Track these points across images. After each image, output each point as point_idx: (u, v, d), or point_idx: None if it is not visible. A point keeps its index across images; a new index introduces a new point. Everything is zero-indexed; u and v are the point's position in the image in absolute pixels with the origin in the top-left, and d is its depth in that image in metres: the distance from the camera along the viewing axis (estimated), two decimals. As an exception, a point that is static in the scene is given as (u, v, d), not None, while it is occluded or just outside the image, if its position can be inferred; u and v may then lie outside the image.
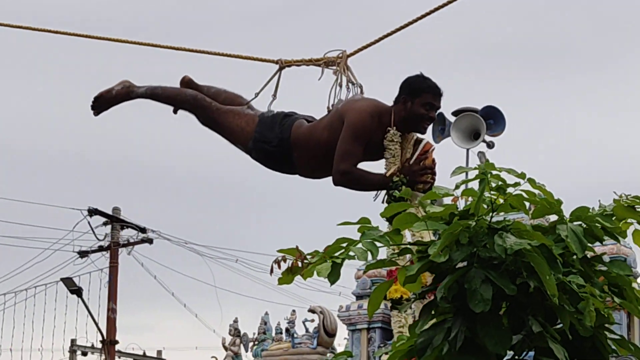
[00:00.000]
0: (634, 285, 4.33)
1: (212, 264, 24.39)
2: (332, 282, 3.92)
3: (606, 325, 4.13)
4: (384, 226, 4.23)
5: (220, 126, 5.77)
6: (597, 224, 4.11)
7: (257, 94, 5.83)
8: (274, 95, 5.81)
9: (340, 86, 5.73)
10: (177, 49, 6.27)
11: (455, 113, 17.45)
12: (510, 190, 3.94)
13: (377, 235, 4.01)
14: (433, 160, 5.32)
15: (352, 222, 4.07)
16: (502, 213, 4.05)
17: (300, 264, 3.99)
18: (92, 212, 22.60)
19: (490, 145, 17.49)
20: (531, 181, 3.90)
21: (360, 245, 3.99)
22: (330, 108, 5.66)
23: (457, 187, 3.98)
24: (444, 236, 3.83)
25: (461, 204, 4.03)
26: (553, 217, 4.11)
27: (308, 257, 4.02)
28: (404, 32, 5.86)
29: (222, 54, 6.19)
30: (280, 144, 5.54)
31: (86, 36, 6.49)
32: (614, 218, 4.25)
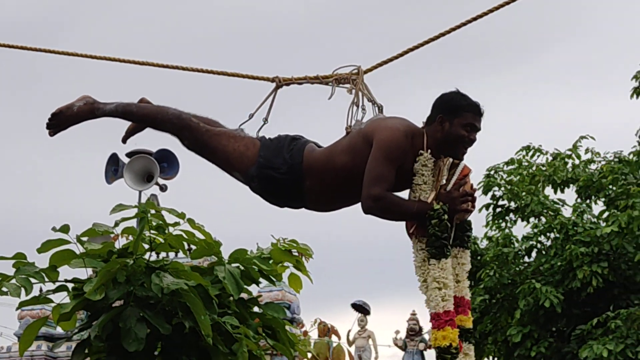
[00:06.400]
0: (288, 328, 4.45)
1: None
2: None
3: (259, 366, 4.21)
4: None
5: (212, 150, 4.98)
6: (254, 267, 4.20)
7: (251, 116, 5.08)
8: (266, 119, 5.07)
9: (357, 105, 5.06)
10: (164, 66, 5.49)
11: (129, 154, 17.31)
12: (170, 230, 3.95)
13: (33, 272, 3.90)
14: (472, 186, 4.76)
15: (6, 257, 3.93)
16: (173, 254, 4.04)
17: (-52, 299, 3.81)
18: None
19: (163, 188, 17.48)
20: (190, 221, 3.93)
21: (14, 281, 3.86)
22: (349, 129, 4.98)
23: (116, 224, 3.94)
24: (100, 274, 3.77)
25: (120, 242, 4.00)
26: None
27: (-43, 291, 3.84)
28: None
29: (211, 72, 5.45)
30: (290, 171, 4.83)
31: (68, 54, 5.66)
32: (271, 261, 4.36)
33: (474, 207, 4.69)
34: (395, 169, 4.64)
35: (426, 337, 19.67)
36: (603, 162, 16.91)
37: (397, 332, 20.13)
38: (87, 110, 5.09)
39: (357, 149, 4.75)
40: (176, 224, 3.94)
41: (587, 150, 16.99)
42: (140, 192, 17.36)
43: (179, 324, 3.89)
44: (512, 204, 17.17)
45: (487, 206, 17.34)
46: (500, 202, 17.27)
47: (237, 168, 4.90)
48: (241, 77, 5.35)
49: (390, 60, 5.26)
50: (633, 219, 14.55)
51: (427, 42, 5.24)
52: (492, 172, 17.25)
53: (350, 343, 19.70)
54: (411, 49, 5.26)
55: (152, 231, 3.94)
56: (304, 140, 4.96)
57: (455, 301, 4.51)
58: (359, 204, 4.72)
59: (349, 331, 19.73)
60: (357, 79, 5.10)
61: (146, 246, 4.00)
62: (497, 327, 16.33)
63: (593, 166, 16.91)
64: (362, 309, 19.64)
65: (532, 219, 16.93)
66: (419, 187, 4.64)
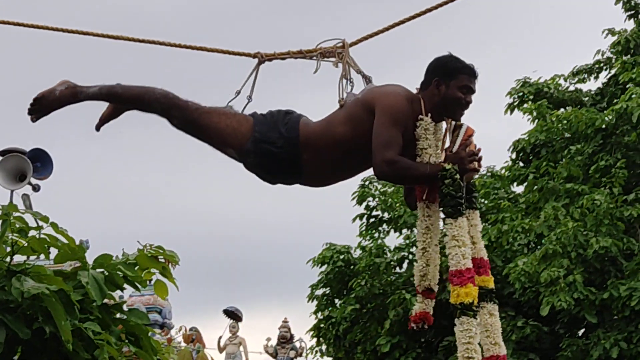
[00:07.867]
0: (152, 335, 4.43)
1: None
2: None
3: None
4: None
5: (204, 128, 4.88)
6: (118, 272, 4.17)
7: (238, 93, 4.97)
8: (250, 97, 4.97)
9: (346, 78, 5.00)
10: (141, 41, 5.27)
11: (1, 153, 16.97)
12: (33, 233, 3.90)
13: None
14: (476, 146, 4.77)
15: None
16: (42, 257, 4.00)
17: None
18: None
19: (35, 188, 17.18)
20: (54, 225, 3.89)
21: None
22: (342, 102, 4.91)
23: (-23, 226, 3.88)
24: (-41, 276, 3.71)
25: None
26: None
27: None
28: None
29: (190, 47, 5.24)
30: (286, 145, 4.77)
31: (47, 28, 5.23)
32: (136, 267, 4.34)
33: (480, 166, 4.80)
34: (402, 134, 4.66)
35: (297, 344, 19.79)
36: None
37: (269, 339, 20.20)
38: (69, 94, 4.97)
39: (357, 118, 4.76)
40: (39, 227, 3.89)
41: (460, 164, 17.28)
42: (12, 191, 17.04)
43: (39, 329, 3.84)
44: (386, 215, 17.39)
45: (360, 216, 17.54)
46: (374, 213, 17.48)
47: (231, 144, 4.86)
48: (221, 53, 5.21)
49: (376, 34, 5.24)
50: (502, 233, 14.88)
51: (412, 18, 5.25)
52: (366, 183, 17.45)
53: (221, 349, 19.68)
54: (397, 24, 5.24)
55: (14, 234, 3.89)
56: (297, 114, 4.94)
57: (475, 262, 4.57)
58: (353, 178, 4.88)
59: (220, 337, 19.70)
60: (342, 52, 5.08)
61: (8, 249, 3.95)
62: (367, 336, 16.48)
63: (466, 180, 17.22)
64: (233, 315, 19.63)
65: (404, 230, 17.17)
66: (424, 151, 4.68)
